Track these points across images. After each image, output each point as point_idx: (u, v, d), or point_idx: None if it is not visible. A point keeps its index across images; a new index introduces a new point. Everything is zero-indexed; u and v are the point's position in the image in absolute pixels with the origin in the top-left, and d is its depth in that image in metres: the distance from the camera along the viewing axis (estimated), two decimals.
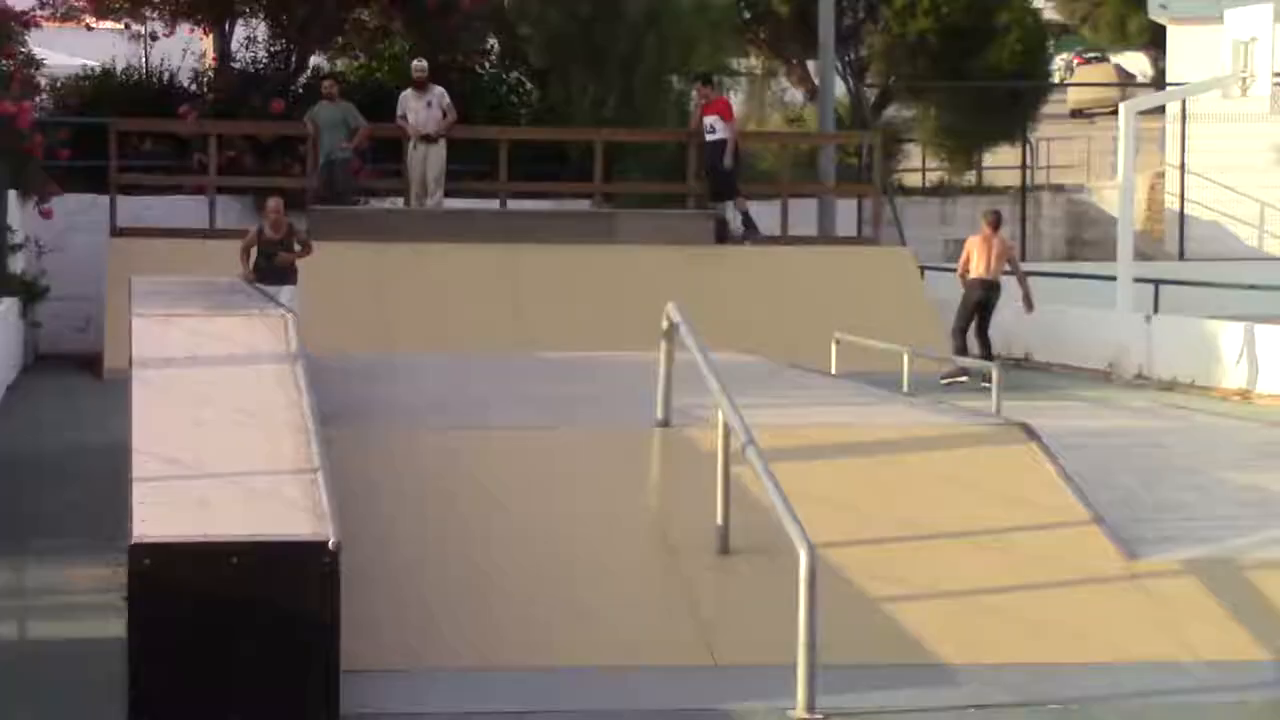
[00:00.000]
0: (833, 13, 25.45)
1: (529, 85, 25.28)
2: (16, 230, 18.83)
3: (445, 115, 21.21)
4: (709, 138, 21.80)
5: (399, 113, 21.23)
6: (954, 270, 25.03)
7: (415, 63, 21.62)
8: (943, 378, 17.55)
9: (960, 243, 29.25)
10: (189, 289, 10.81)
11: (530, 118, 24.51)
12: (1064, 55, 49.36)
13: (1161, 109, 29.49)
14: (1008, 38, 29.80)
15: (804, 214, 24.87)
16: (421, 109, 21.17)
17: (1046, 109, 35.27)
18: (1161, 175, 31.23)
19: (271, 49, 24.44)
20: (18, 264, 18.95)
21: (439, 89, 21.40)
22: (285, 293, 15.66)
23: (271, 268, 16.46)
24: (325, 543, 6.66)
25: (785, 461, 8.17)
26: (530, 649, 7.33)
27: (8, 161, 17.87)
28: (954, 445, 9.18)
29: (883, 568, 8.02)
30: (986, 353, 18.30)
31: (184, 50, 24.59)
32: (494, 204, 22.22)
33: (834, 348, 14.53)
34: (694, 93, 22.52)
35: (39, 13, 22.71)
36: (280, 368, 8.52)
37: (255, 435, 7.70)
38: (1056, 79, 40.87)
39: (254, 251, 16.74)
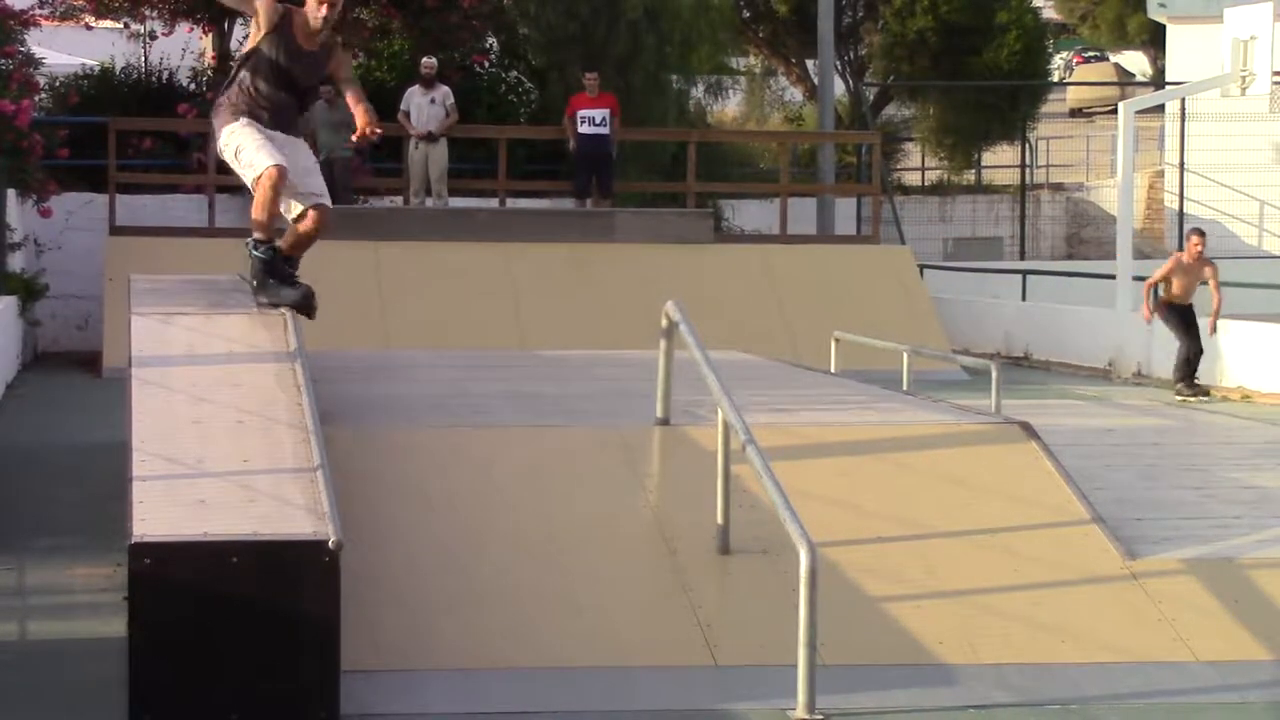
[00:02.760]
0: (832, 11, 25.48)
1: (528, 84, 25.29)
2: (15, 229, 18.84)
3: (448, 115, 21.26)
4: (595, 129, 21.43)
5: (402, 108, 21.26)
6: (953, 268, 25.16)
7: (425, 59, 21.68)
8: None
9: (959, 241, 29.46)
10: (188, 287, 10.78)
11: (529, 116, 24.53)
12: (1063, 54, 49.36)
13: (1161, 108, 29.53)
14: (1007, 36, 29.82)
15: (804, 213, 24.91)
16: (425, 105, 21.23)
17: (1046, 108, 35.31)
18: (1161, 174, 31.26)
19: None
20: (17, 262, 18.96)
21: (445, 88, 21.49)
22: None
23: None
24: (325, 542, 6.65)
25: (785, 460, 8.16)
26: (530, 649, 7.32)
27: (7, 160, 17.87)
28: (953, 444, 9.17)
29: (883, 567, 8.01)
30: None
31: (183, 49, 24.61)
32: (493, 202, 22.25)
33: (834, 346, 14.52)
34: (585, 79, 22.02)
35: (38, 12, 22.71)
36: (280, 366, 8.51)
37: (255, 434, 7.70)
38: (1056, 78, 40.88)
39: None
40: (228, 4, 8.94)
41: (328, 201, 8.82)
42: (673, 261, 20.18)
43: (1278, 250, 28.86)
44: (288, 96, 8.67)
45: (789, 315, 20.07)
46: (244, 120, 8.74)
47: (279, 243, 8.98)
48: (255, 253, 8.99)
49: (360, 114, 8.84)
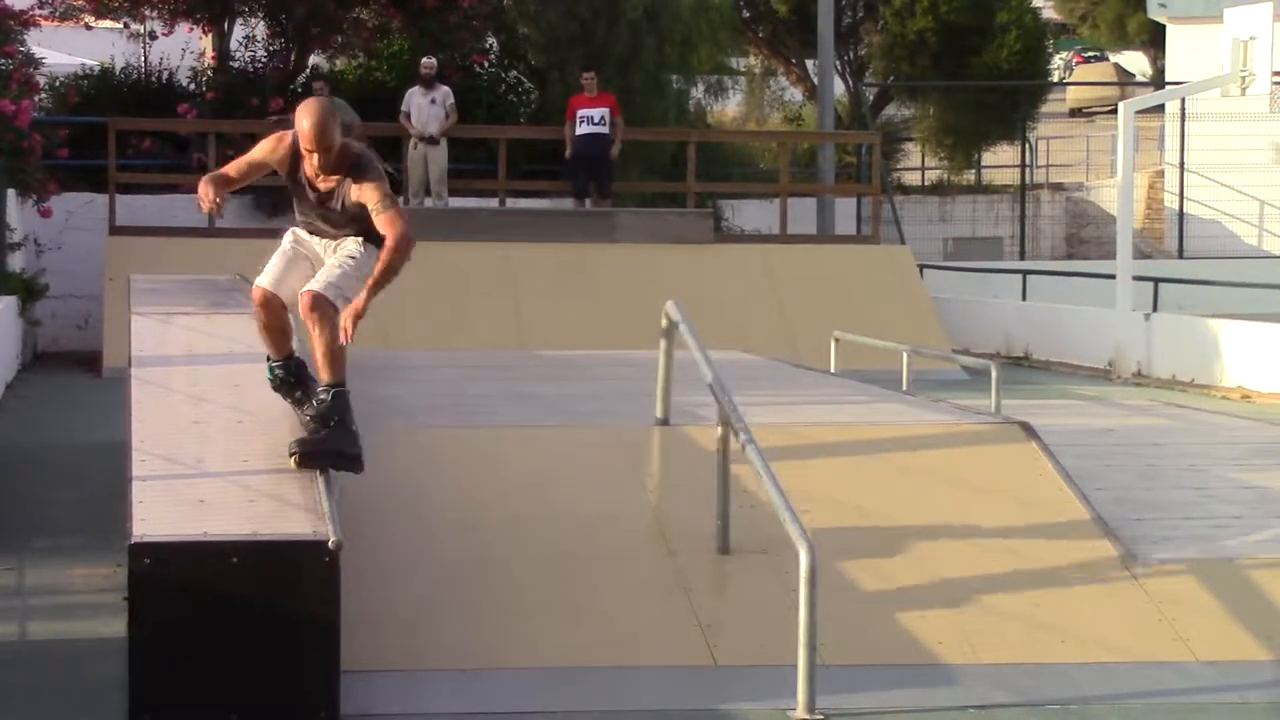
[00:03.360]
0: (832, 11, 25.48)
1: (528, 84, 25.29)
2: (15, 229, 18.85)
3: (448, 116, 21.26)
4: (593, 129, 21.34)
5: (402, 109, 21.26)
6: (953, 268, 25.15)
7: (425, 60, 21.68)
8: None
9: (959, 241, 29.46)
10: (188, 287, 10.81)
11: (529, 116, 24.53)
12: (1063, 54, 49.37)
13: (1161, 108, 29.53)
14: (1007, 37, 29.83)
15: (804, 213, 24.91)
16: (425, 106, 21.23)
17: (1046, 108, 35.35)
18: (1161, 174, 31.26)
19: (270, 48, 24.47)
20: (17, 262, 18.95)
21: (445, 88, 21.48)
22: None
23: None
24: (325, 542, 6.65)
25: (785, 460, 8.16)
26: (530, 649, 7.32)
27: (7, 160, 17.87)
28: (953, 444, 9.17)
29: (883, 567, 8.01)
30: None
31: (183, 49, 24.62)
32: (493, 202, 22.24)
33: (833, 346, 14.52)
34: (583, 78, 21.94)
35: (38, 12, 22.73)
36: None
37: (255, 434, 7.70)
38: (1056, 78, 40.88)
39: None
40: (240, 177, 7.72)
41: (315, 287, 7.48)
42: (673, 261, 20.18)
43: (1278, 250, 28.86)
44: (323, 224, 7.67)
45: (789, 315, 20.07)
46: (291, 230, 7.81)
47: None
48: (269, 372, 7.86)
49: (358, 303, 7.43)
